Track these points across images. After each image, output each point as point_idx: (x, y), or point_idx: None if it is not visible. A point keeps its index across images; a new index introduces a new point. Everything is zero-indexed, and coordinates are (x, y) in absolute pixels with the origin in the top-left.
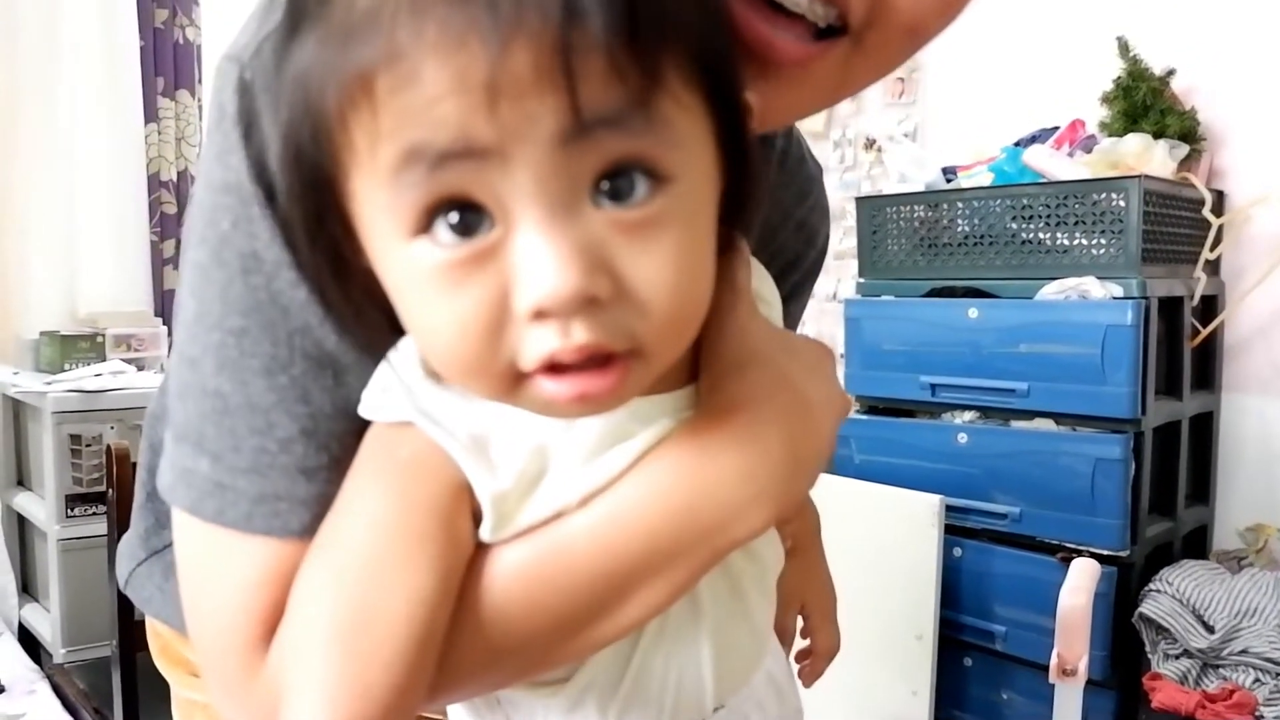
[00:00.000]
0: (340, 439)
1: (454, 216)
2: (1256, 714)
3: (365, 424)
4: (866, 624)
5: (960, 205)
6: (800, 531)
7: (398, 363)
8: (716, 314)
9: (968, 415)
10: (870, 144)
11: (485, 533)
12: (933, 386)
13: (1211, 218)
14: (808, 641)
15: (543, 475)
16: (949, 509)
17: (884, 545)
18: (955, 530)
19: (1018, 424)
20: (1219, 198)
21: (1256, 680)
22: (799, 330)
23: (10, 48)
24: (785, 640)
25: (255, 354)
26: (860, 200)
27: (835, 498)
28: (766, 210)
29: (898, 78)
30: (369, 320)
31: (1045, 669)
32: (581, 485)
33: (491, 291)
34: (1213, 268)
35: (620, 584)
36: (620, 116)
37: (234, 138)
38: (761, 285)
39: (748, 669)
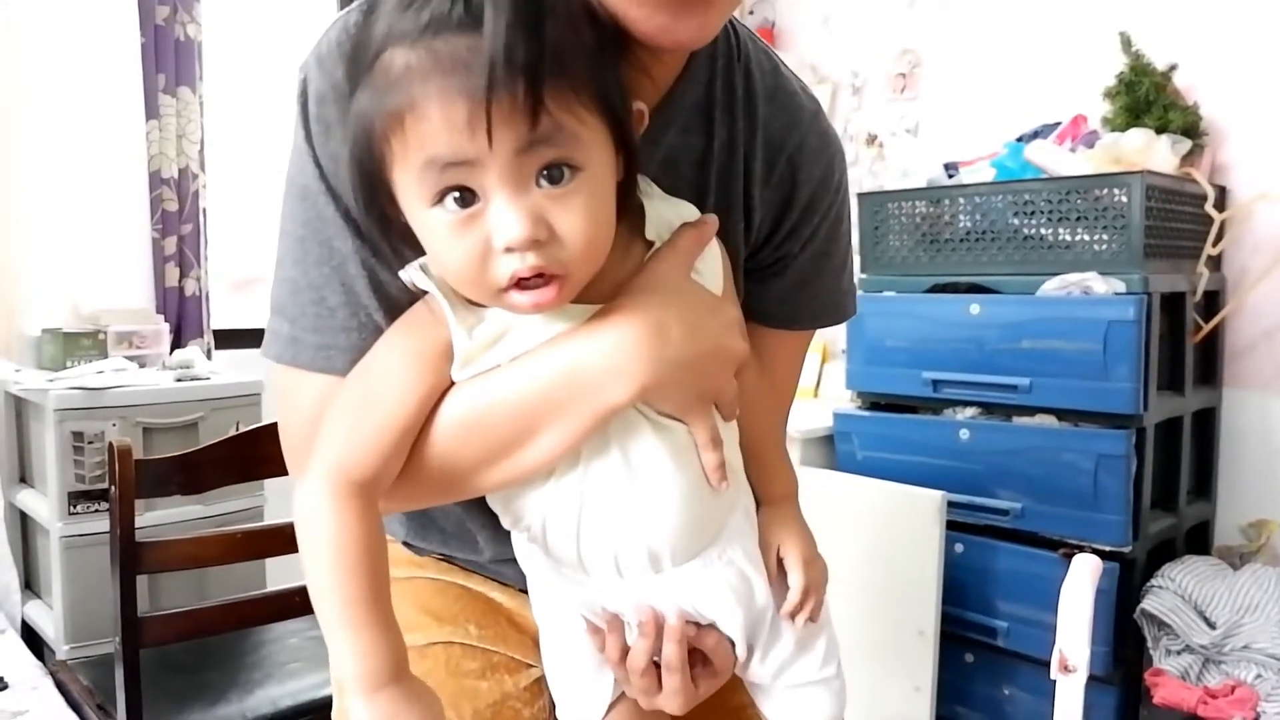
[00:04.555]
0: (367, 309)
1: (455, 194)
2: (1258, 710)
3: (387, 302)
4: (869, 620)
5: (962, 201)
6: (777, 489)
7: (434, 269)
8: (649, 261)
9: (970, 411)
10: (872, 139)
11: (454, 370)
12: (935, 382)
13: (1214, 213)
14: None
15: (497, 342)
16: (951, 505)
17: (886, 541)
18: (957, 526)
19: (1020, 420)
20: (1221, 193)
21: (1258, 676)
22: (829, 276)
23: (11, 45)
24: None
25: (310, 252)
26: (862, 196)
27: (837, 493)
28: (763, 149)
29: (899, 73)
30: (399, 248)
31: (1047, 665)
32: (514, 350)
33: (480, 237)
34: (1215, 263)
35: (528, 423)
36: (548, 138)
37: (297, 114)
38: (702, 259)
39: (686, 540)
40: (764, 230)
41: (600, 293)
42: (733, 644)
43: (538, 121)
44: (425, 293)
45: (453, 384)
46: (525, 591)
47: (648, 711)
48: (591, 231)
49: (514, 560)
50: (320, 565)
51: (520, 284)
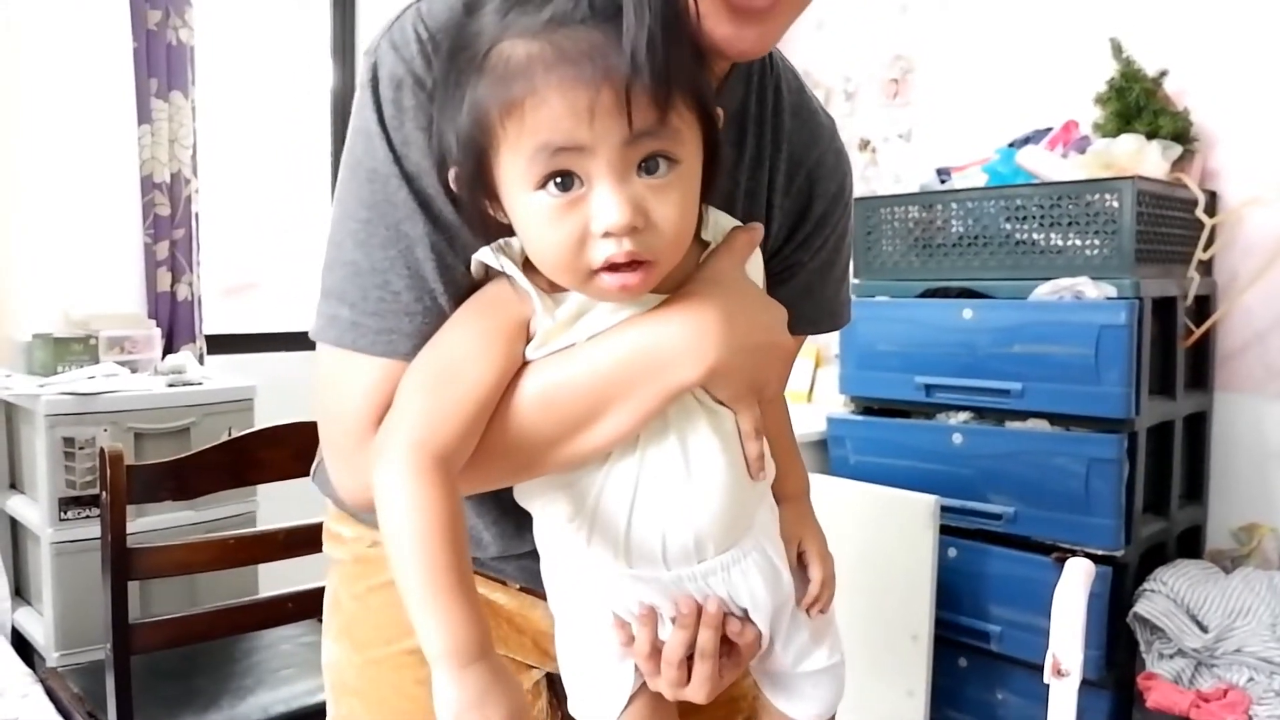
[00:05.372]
0: (433, 293)
1: (559, 179)
2: (1250, 713)
3: (453, 286)
4: (862, 624)
5: (955, 206)
6: (791, 487)
7: (508, 252)
8: (708, 258)
9: (962, 416)
10: (865, 144)
11: (530, 349)
12: (927, 387)
13: (1204, 218)
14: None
15: (575, 321)
16: (944, 509)
17: (879, 546)
18: (950, 530)
19: (1012, 424)
20: (1212, 198)
21: (1250, 679)
22: (832, 285)
23: (2, 49)
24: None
25: (375, 235)
26: (854, 201)
27: (830, 498)
28: (786, 163)
29: (892, 78)
30: (482, 235)
31: (1040, 669)
32: (589, 330)
33: (579, 222)
34: (1206, 268)
35: (600, 399)
36: (653, 130)
37: (367, 98)
38: (750, 264)
39: (728, 529)
40: (779, 239)
41: (665, 285)
42: (758, 632)
43: (664, 116)
44: (490, 277)
45: (525, 363)
46: (526, 590)
47: (663, 703)
48: (682, 223)
49: (517, 557)
50: (404, 540)
51: (611, 268)
